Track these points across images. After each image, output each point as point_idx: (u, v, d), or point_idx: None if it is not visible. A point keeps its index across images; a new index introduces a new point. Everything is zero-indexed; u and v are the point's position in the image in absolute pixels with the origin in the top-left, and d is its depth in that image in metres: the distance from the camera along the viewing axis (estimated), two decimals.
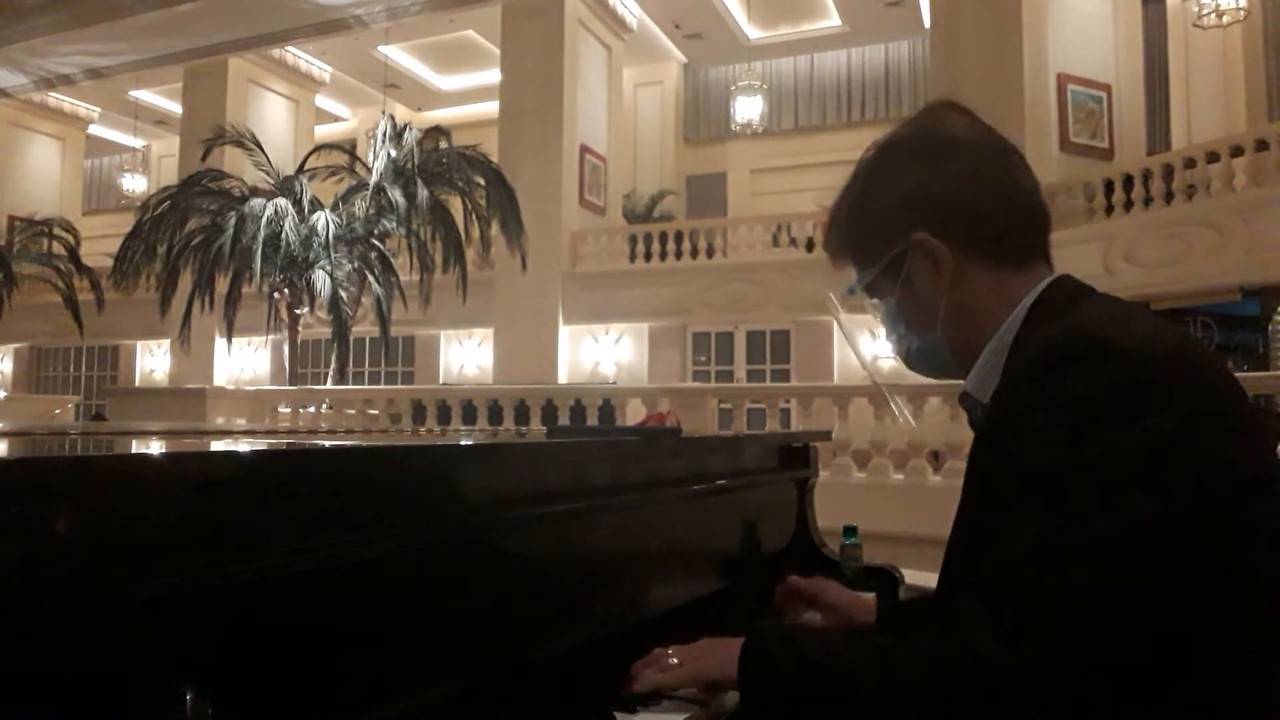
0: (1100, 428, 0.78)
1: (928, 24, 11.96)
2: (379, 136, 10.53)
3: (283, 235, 9.65)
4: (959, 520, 0.96)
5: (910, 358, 1.08)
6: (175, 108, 16.10)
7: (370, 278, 10.31)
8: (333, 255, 9.86)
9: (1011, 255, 0.98)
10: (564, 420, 7.74)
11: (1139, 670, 0.75)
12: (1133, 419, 0.77)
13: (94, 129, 18.13)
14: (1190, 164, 8.60)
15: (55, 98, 17.02)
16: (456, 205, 10.45)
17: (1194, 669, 0.76)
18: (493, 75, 13.84)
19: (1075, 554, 0.76)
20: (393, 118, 11.06)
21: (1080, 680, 0.74)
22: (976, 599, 0.81)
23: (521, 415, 8.01)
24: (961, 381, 1.05)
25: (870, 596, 1.35)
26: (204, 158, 10.75)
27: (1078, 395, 0.80)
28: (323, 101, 16.61)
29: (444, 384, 12.67)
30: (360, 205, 10.29)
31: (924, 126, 1.04)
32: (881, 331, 1.10)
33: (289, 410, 9.04)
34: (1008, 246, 0.98)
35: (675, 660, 1.06)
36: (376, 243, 10.51)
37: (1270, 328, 8.60)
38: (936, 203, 0.98)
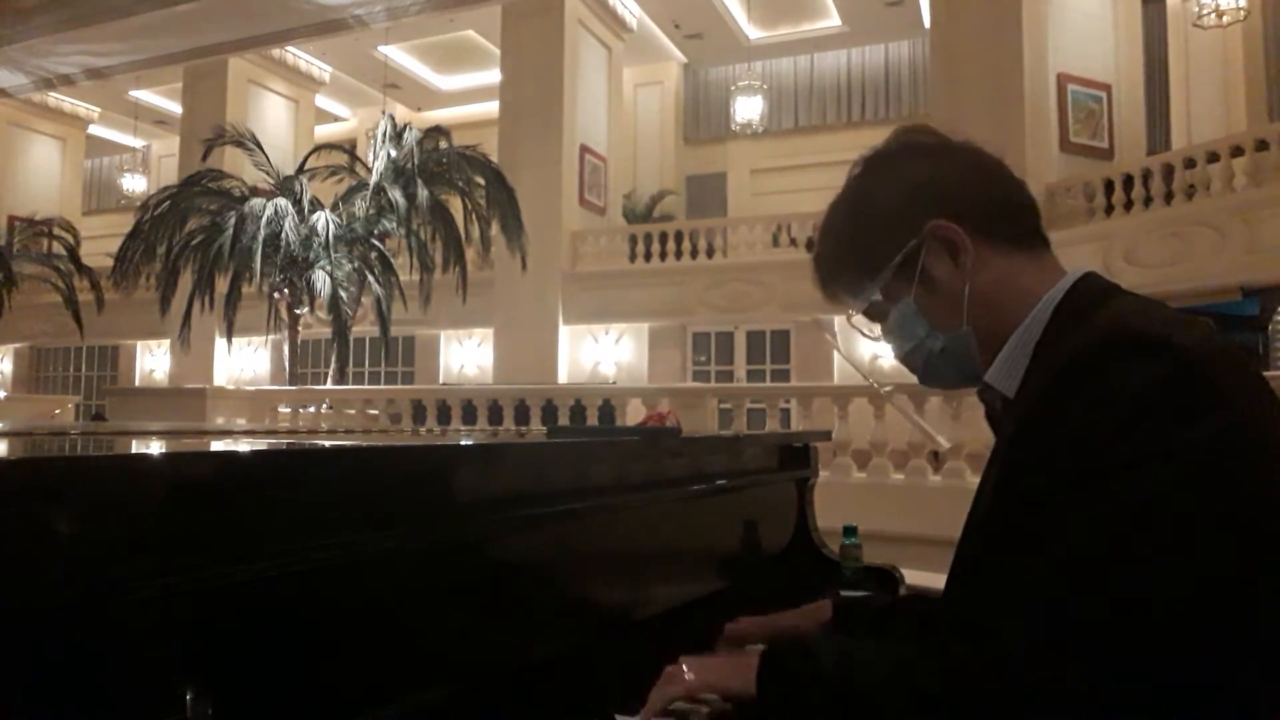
0: (1153, 425, 0.74)
1: (928, 24, 11.95)
2: (379, 136, 10.53)
3: (283, 235, 9.65)
4: (979, 518, 0.93)
5: (931, 364, 1.02)
6: (175, 108, 16.10)
7: (370, 278, 10.31)
8: (333, 255, 9.86)
9: (1024, 241, 0.97)
10: (564, 420, 7.74)
11: (1197, 680, 0.71)
12: (1188, 417, 0.74)
13: (94, 129, 18.13)
14: (1190, 164, 8.59)
15: (55, 98, 17.02)
16: (456, 205, 10.45)
17: (1248, 680, 0.73)
18: (493, 75, 13.84)
19: (1133, 559, 0.72)
20: (393, 118, 11.06)
21: (1141, 690, 0.70)
22: (1019, 605, 0.77)
23: (521, 415, 8.01)
24: (972, 390, 1.02)
25: (824, 603, 1.30)
26: (204, 158, 10.74)
27: (1129, 390, 0.76)
28: (323, 101, 16.61)
29: (444, 384, 12.67)
30: (360, 205, 10.29)
31: (905, 138, 1.04)
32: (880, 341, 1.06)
33: (289, 410, 9.04)
34: (1019, 231, 0.97)
35: (690, 675, 1.00)
36: (376, 243, 10.51)
37: (1270, 328, 8.59)
38: (947, 191, 0.96)
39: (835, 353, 11.64)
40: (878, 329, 1.05)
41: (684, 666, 1.00)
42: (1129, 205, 8.96)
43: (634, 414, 7.59)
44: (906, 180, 0.99)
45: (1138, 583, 0.71)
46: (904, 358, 1.05)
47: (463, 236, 10.31)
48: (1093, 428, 0.77)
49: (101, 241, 15.19)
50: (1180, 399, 0.75)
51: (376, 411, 8.76)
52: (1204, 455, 0.73)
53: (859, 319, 1.07)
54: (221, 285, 10.04)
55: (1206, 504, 0.72)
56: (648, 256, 12.46)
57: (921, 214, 0.96)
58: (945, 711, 0.77)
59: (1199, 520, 0.72)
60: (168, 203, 10.36)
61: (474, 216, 10.35)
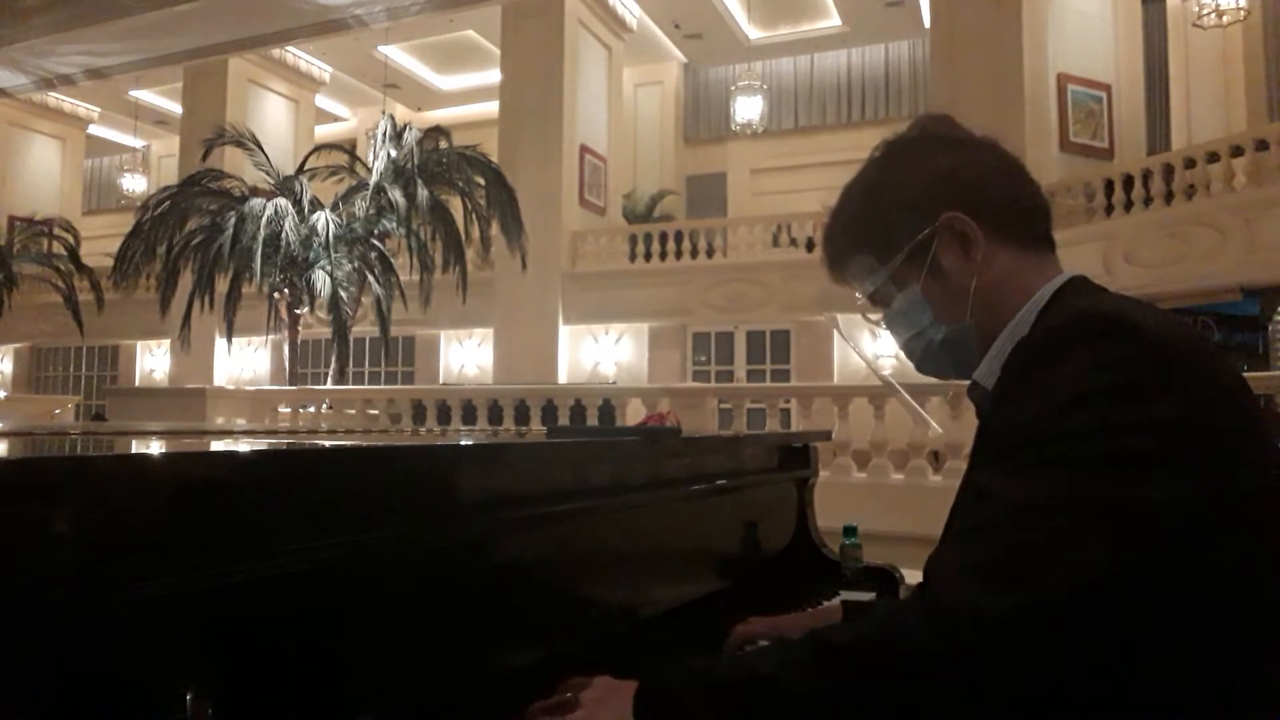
0: (1107, 401, 0.76)
1: (928, 24, 11.95)
2: (379, 136, 10.53)
3: (283, 235, 9.65)
4: (957, 506, 0.95)
5: (931, 353, 1.03)
6: (175, 108, 16.10)
7: (370, 278, 10.31)
8: (333, 255, 9.86)
9: (1032, 242, 0.99)
10: (564, 420, 7.74)
11: (1125, 639, 0.72)
12: (1145, 397, 0.75)
13: (94, 129, 18.12)
14: (1190, 164, 8.59)
15: (55, 98, 17.02)
16: (456, 205, 10.45)
17: (1176, 656, 0.74)
18: (493, 75, 13.84)
19: (1083, 512, 0.73)
20: (393, 118, 11.06)
21: (1067, 634, 0.71)
22: (953, 548, 0.80)
23: (521, 415, 8.01)
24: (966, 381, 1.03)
25: (834, 604, 1.32)
26: (204, 158, 10.74)
27: (1087, 368, 0.78)
28: (323, 101, 16.61)
29: (444, 384, 12.67)
30: (360, 205, 10.29)
31: (929, 127, 1.05)
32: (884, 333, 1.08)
33: (289, 410, 9.04)
34: (1030, 233, 0.99)
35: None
36: (376, 243, 10.51)
37: (1270, 328, 8.59)
38: (966, 185, 0.98)
39: (836, 341, 11.63)
40: (881, 314, 1.07)
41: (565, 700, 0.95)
42: (1129, 205, 8.96)
43: (634, 414, 7.60)
44: (926, 169, 1.00)
45: (1096, 539, 0.72)
46: (904, 344, 1.06)
47: (463, 236, 10.31)
48: (1049, 401, 0.78)
49: (101, 241, 15.18)
50: (1137, 379, 0.76)
51: (376, 411, 8.76)
52: (1164, 431, 0.74)
53: (864, 304, 1.08)
54: (221, 285, 10.04)
55: (1160, 480, 0.73)
56: (648, 256, 12.46)
57: (938, 204, 0.97)
58: (865, 657, 0.75)
59: (1146, 494, 0.72)
60: (168, 203, 10.36)
61: (474, 216, 10.34)
